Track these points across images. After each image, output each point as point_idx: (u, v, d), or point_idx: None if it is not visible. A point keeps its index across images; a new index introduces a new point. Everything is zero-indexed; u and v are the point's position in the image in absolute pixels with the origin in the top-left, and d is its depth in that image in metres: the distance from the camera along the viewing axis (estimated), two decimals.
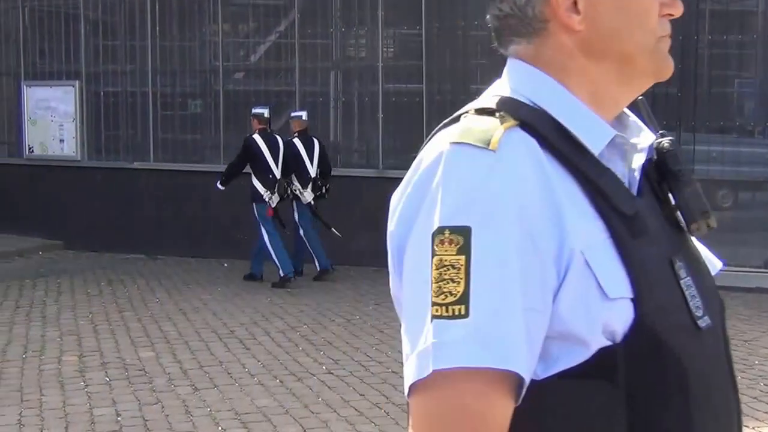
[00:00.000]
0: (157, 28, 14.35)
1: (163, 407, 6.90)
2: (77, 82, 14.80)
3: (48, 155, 15.09)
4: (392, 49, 13.57)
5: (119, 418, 6.65)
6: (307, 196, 11.69)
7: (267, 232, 11.44)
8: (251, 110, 11.99)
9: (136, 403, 6.98)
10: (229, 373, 7.79)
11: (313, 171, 11.76)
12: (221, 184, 11.88)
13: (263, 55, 14.19)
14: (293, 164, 11.59)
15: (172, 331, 9.36)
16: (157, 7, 14.32)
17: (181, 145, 14.36)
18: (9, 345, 8.80)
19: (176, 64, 14.37)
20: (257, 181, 11.50)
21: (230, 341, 8.92)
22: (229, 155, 13.88)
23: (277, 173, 11.48)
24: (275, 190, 11.39)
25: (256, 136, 11.59)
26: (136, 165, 14.41)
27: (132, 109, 14.58)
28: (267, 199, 11.40)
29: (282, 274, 11.48)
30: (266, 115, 11.72)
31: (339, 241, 13.09)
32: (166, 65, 14.39)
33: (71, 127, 14.85)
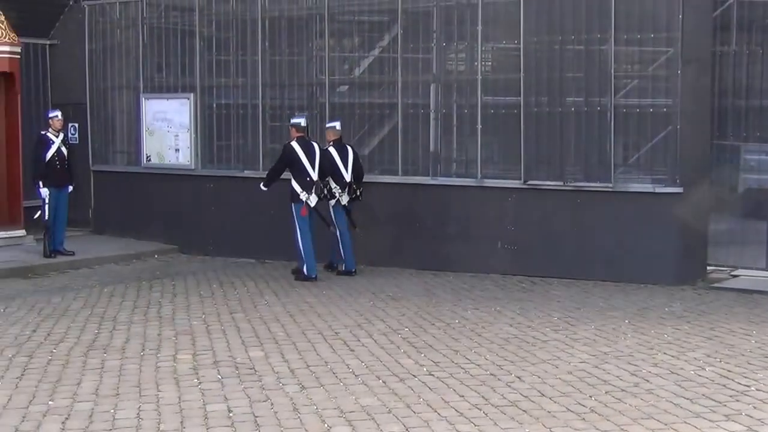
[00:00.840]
0: (267, 44, 14.50)
1: (272, 405, 6.94)
2: (192, 95, 15.06)
3: (164, 164, 15.40)
4: (490, 63, 13.48)
5: (231, 414, 6.72)
6: (343, 199, 12.59)
7: (300, 229, 12.28)
8: (290, 120, 12.96)
9: (246, 400, 7.05)
10: (334, 373, 7.82)
11: (347, 176, 12.63)
12: (264, 185, 12.65)
13: (366, 69, 14.21)
14: (329, 169, 12.45)
15: (280, 332, 9.43)
16: (267, 24, 14.48)
17: None
18: (128, 343, 8.99)
19: (284, 77, 14.49)
20: (296, 183, 12.29)
21: (335, 342, 8.95)
22: None
23: (314, 176, 12.27)
24: (312, 191, 12.16)
25: (294, 143, 12.44)
26: (246, 173, 14.58)
27: (243, 120, 14.76)
28: (304, 200, 12.18)
29: (306, 274, 12.23)
30: (303, 124, 12.61)
31: (436, 248, 13.11)
32: (275, 79, 14.52)
33: (186, 137, 15.12)
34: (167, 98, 15.34)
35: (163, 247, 15.00)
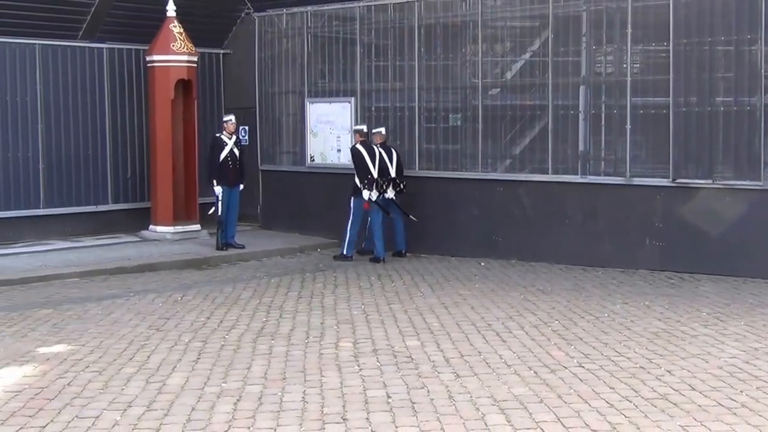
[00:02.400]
0: (423, 50, 14.47)
1: (428, 392, 6.90)
2: (353, 98, 15.18)
3: (326, 164, 15.56)
4: (639, 65, 13.08)
5: (389, 400, 6.70)
6: (390, 193, 13.65)
7: (354, 220, 13.61)
8: (353, 127, 14.29)
9: (404, 387, 7.02)
10: (487, 363, 7.72)
11: (393, 173, 13.68)
12: (366, 189, 13.55)
13: (518, 72, 14.02)
14: (386, 168, 13.68)
15: (435, 322, 9.38)
16: (423, 31, 14.45)
17: (443, 154, 14.41)
18: (293, 331, 9.10)
19: (439, 81, 14.43)
20: (358, 180, 13.53)
21: (488, 333, 8.85)
22: (485, 164, 13.91)
23: (375, 174, 13.48)
24: (373, 187, 13.36)
25: (359, 146, 13.72)
26: (405, 172, 14.54)
27: (400, 122, 14.78)
28: (366, 196, 13.35)
29: (345, 253, 13.53)
30: (365, 130, 14.00)
31: (585, 244, 12.82)
32: (431, 82, 14.48)
33: (347, 138, 15.21)
34: (330, 102, 15.51)
35: (325, 242, 15.14)
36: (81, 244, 14.68)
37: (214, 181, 14.05)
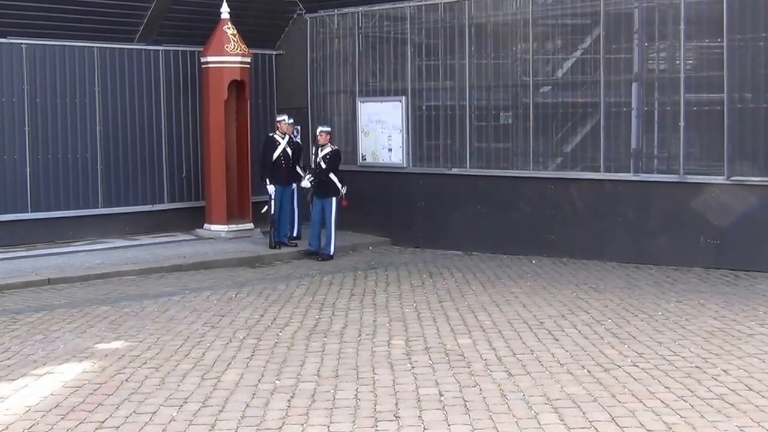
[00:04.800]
0: (473, 48, 14.39)
1: (480, 390, 6.83)
2: (404, 97, 15.14)
3: (378, 162, 15.55)
4: (692, 61, 12.87)
5: (442, 398, 6.65)
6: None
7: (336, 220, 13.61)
8: (323, 128, 14.04)
9: (456, 385, 6.96)
10: (539, 361, 7.64)
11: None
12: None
13: (569, 70, 13.88)
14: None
15: (487, 320, 9.31)
16: (473, 29, 14.36)
17: (494, 152, 14.32)
18: (345, 328, 9.08)
19: (490, 79, 14.34)
20: (336, 179, 13.55)
21: (540, 332, 8.75)
22: (537, 162, 13.78)
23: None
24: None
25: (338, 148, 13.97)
26: (454, 171, 14.56)
27: (451, 120, 14.72)
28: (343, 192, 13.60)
29: (331, 253, 13.59)
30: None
31: (638, 242, 12.66)
32: (481, 81, 14.39)
33: (398, 137, 15.21)
34: (381, 101, 15.49)
35: (377, 240, 15.16)
36: (138, 242, 14.82)
37: (267, 180, 14.09)
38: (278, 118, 14.57)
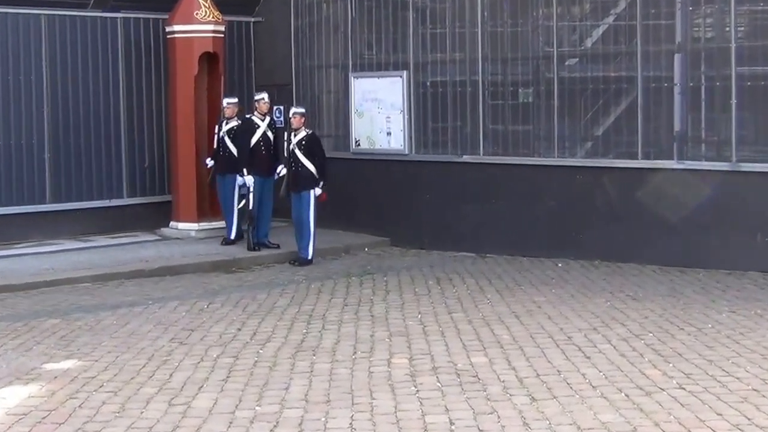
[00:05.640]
0: (487, 14, 14.37)
1: (498, 418, 6.79)
2: (405, 72, 15.09)
3: (375, 149, 15.52)
4: (744, 28, 12.83)
5: (453, 427, 6.61)
6: None
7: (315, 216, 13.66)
8: (297, 109, 13.87)
9: (469, 412, 6.92)
10: (568, 383, 7.60)
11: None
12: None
13: (600, 39, 13.86)
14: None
15: (505, 335, 9.28)
16: None
17: (512, 136, 14.30)
18: (338, 344, 9.04)
19: (506, 51, 14.31)
20: (315, 170, 13.58)
21: (568, 348, 8.72)
22: (562, 148, 13.77)
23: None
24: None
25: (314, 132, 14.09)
26: (465, 158, 14.53)
27: (461, 99, 14.68)
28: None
29: (310, 257, 13.65)
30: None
31: (683, 242, 12.64)
32: (496, 52, 14.36)
33: (398, 119, 15.16)
34: (378, 77, 15.45)
35: (374, 240, 15.15)
36: (92, 244, 14.79)
37: (244, 170, 14.05)
38: (257, 97, 14.55)
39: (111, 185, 15.75)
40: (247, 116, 14.50)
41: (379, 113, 15.39)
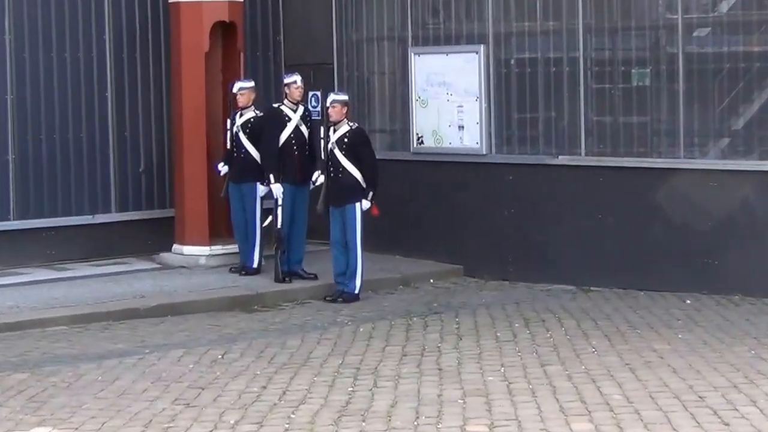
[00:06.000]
0: None
1: None
2: (482, 47, 15.10)
3: (442, 147, 15.54)
4: None
5: None
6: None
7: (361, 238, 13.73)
8: (337, 96, 14.00)
9: None
10: None
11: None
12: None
13: (738, 2, 13.79)
14: None
15: (616, 394, 9.24)
16: None
17: (623, 131, 14.29)
18: (395, 407, 9.04)
19: (615, 18, 14.36)
20: (370, 178, 13.79)
21: (699, 412, 8.65)
22: (690, 146, 13.69)
23: None
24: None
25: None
26: (561, 160, 14.54)
27: (556, 82, 14.69)
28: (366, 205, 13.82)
29: (356, 291, 13.76)
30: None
31: None
32: (602, 20, 14.37)
33: (473, 108, 15.17)
34: (446, 53, 15.50)
35: (442, 268, 15.20)
36: (71, 273, 14.93)
37: (271, 176, 14.09)
38: (287, 81, 14.58)
39: (95, 196, 15.88)
40: (275, 105, 14.56)
41: (449, 101, 15.43)
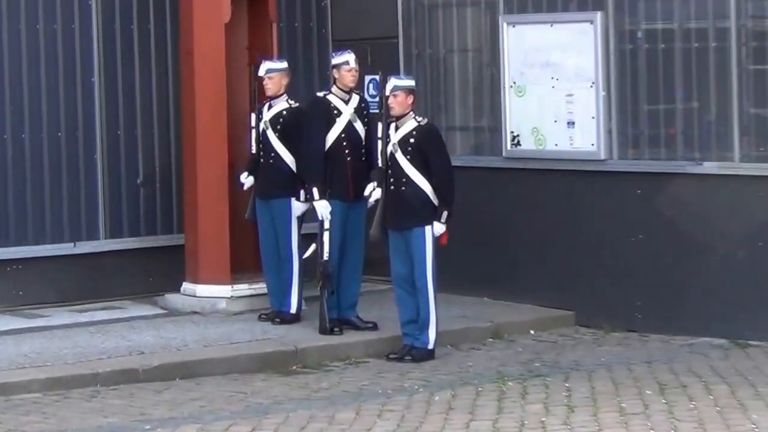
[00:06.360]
0: None
1: None
2: (599, 14, 15.03)
3: (545, 151, 15.51)
4: None
5: None
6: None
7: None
8: (400, 82, 13.95)
9: None
10: None
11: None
12: None
13: None
14: None
15: None
16: None
17: None
18: None
19: None
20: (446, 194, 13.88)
21: None
22: None
23: None
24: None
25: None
26: (708, 167, 14.43)
27: (698, 62, 14.61)
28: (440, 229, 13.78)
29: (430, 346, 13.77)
30: None
31: None
32: None
33: (588, 98, 15.09)
34: (551, 23, 15.47)
35: (546, 315, 15.24)
36: (46, 321, 14.94)
37: (314, 190, 14.01)
38: (336, 61, 14.53)
39: (77, 218, 15.98)
40: (320, 94, 14.50)
41: (554, 88, 15.40)
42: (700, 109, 14.54)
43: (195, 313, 15.17)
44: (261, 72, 14.70)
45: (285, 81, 14.71)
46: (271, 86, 14.63)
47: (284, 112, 14.58)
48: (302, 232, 14.62)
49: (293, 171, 14.43)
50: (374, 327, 14.29)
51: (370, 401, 11.91)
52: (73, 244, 15.87)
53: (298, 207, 14.36)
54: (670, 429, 10.72)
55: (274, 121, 14.59)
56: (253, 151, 14.77)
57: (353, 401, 11.95)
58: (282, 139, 14.50)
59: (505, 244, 15.59)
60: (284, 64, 14.87)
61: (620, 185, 14.93)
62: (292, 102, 14.64)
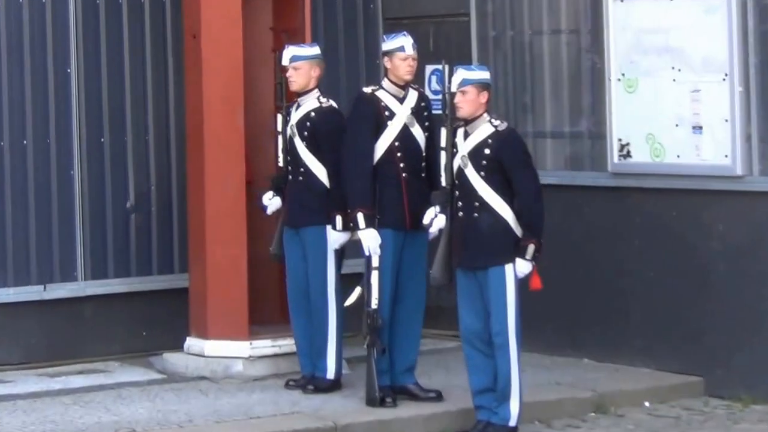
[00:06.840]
0: None
1: None
2: None
3: (664, 164, 15.44)
4: None
5: None
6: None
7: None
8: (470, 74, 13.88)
9: None
10: None
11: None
12: None
13: None
14: None
15: None
16: None
17: None
18: None
19: None
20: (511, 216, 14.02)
21: None
22: None
23: None
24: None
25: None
26: None
27: None
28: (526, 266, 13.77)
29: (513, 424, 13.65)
30: None
31: None
32: None
33: (720, 95, 14.99)
34: None
35: (666, 382, 15.19)
36: (9, 389, 14.96)
37: (359, 216, 13.91)
38: (387, 47, 14.47)
39: (48, 254, 16.00)
40: (366, 90, 14.42)
41: (675, 81, 15.32)
42: None
43: (203, 378, 15.17)
44: (284, 60, 14.65)
45: (316, 72, 14.64)
46: (296, 78, 14.57)
47: (312, 114, 14.52)
48: (343, 271, 14.56)
49: (327, 189, 14.38)
50: (438, 397, 14.20)
51: None
52: (42, 287, 15.89)
53: (336, 238, 14.23)
54: None
55: (300, 125, 14.55)
56: (280, 165, 14.71)
57: None
58: (312, 148, 14.41)
59: (612, 287, 15.57)
60: (315, 50, 14.82)
61: (763, 209, 14.88)
62: (323, 100, 14.55)
